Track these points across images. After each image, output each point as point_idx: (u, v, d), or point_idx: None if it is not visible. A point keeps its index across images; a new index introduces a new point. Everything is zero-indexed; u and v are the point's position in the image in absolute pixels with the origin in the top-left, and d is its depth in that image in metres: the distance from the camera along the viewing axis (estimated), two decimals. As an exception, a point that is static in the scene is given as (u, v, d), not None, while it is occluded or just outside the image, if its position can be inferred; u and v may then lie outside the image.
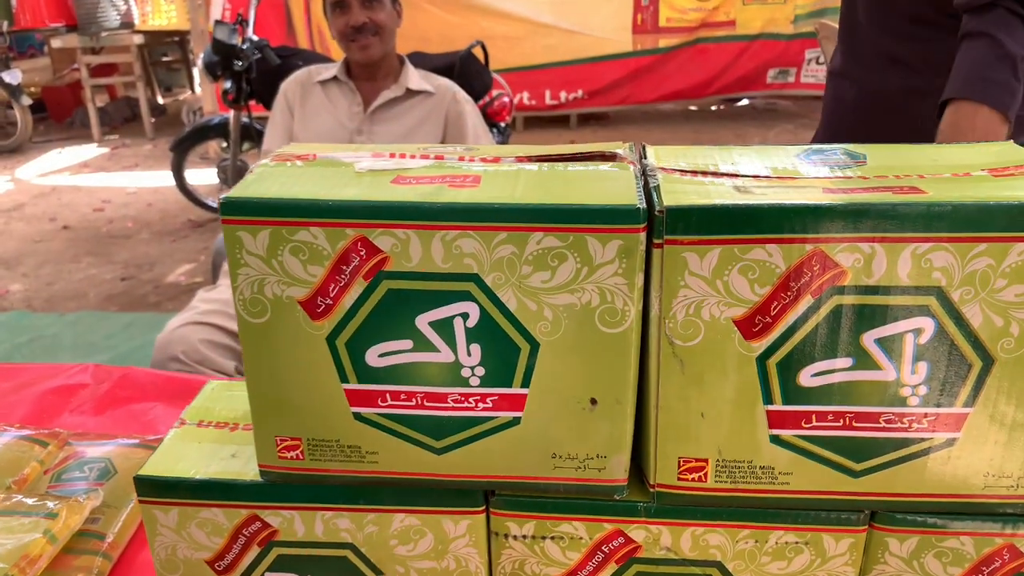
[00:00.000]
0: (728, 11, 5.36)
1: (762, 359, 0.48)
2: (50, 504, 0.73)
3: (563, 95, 5.48)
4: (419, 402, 0.51)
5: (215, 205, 3.83)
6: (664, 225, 0.46)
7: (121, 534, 0.78)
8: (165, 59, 6.91)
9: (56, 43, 5.95)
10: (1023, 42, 1.04)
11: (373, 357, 0.50)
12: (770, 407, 0.49)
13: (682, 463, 0.52)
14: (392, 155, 0.54)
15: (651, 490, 0.53)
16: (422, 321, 0.49)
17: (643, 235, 0.46)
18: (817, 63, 5.38)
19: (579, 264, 0.47)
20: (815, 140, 1.47)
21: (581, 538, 0.55)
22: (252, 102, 3.19)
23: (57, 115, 6.45)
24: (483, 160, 0.53)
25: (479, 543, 0.56)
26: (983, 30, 1.05)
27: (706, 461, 0.51)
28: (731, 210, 0.45)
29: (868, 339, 0.47)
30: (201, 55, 3.55)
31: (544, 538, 0.55)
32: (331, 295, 0.49)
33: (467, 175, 0.50)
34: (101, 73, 6.17)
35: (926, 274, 0.45)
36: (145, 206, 4.28)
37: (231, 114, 3.37)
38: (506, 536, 0.56)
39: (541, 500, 0.54)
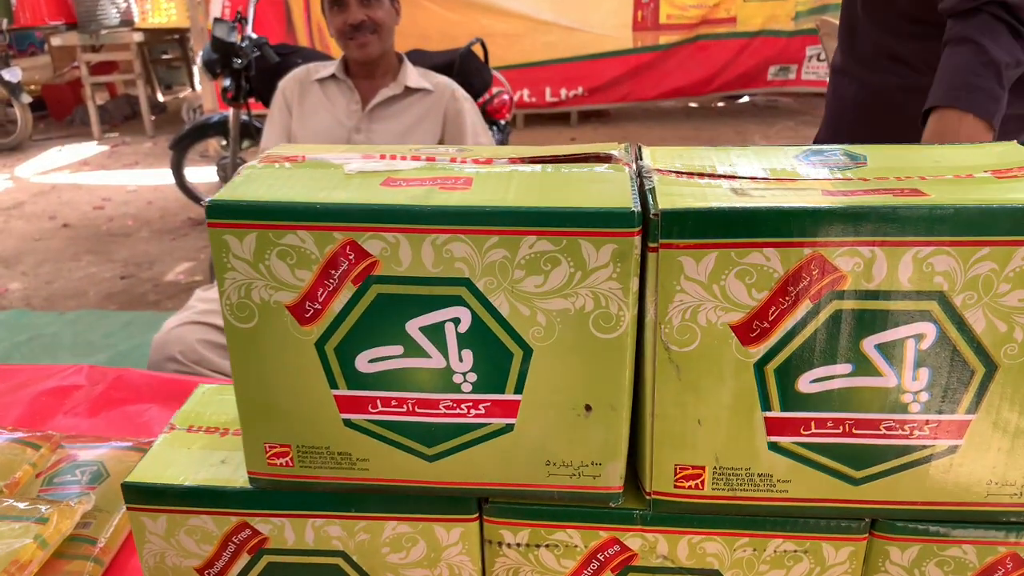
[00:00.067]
0: (729, 8, 5.34)
1: (760, 365, 0.47)
2: (41, 508, 0.72)
3: (563, 92, 5.47)
4: (410, 408, 0.50)
5: (215, 203, 3.81)
6: (659, 228, 0.45)
7: (113, 539, 0.77)
8: (165, 57, 6.90)
9: (56, 41, 5.95)
10: (1008, 48, 1.03)
11: (363, 363, 0.49)
12: (768, 414, 0.48)
13: (678, 470, 0.51)
14: (382, 156, 0.53)
15: (647, 497, 0.52)
16: (413, 326, 0.48)
17: (638, 239, 0.45)
18: (818, 60, 5.37)
19: (572, 268, 0.46)
20: (818, 137, 1.47)
21: (576, 546, 0.54)
22: (251, 100, 3.18)
23: (57, 113, 6.45)
24: (475, 162, 0.52)
25: (472, 551, 0.55)
26: (967, 36, 1.04)
27: (703, 468, 0.50)
28: (728, 213, 0.44)
29: (868, 345, 0.46)
30: (200, 53, 3.54)
31: (538, 546, 0.54)
32: (320, 300, 0.48)
33: (458, 177, 0.49)
34: (101, 71, 6.16)
35: (928, 278, 0.44)
36: (145, 204, 4.27)
37: (230, 112, 3.36)
38: (500, 544, 0.55)
39: (535, 508, 0.53)
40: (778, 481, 0.50)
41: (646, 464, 0.51)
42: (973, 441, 0.48)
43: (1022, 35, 1.04)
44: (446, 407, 0.50)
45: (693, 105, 6.08)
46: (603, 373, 0.48)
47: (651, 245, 0.45)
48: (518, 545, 0.54)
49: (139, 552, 0.58)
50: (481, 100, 2.62)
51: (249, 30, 3.08)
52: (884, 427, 0.48)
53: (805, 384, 0.47)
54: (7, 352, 2.56)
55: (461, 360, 0.49)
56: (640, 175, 0.50)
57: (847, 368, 0.47)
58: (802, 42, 5.37)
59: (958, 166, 0.50)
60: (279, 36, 4.85)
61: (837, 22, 1.42)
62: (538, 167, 0.51)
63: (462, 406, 0.50)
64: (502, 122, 2.99)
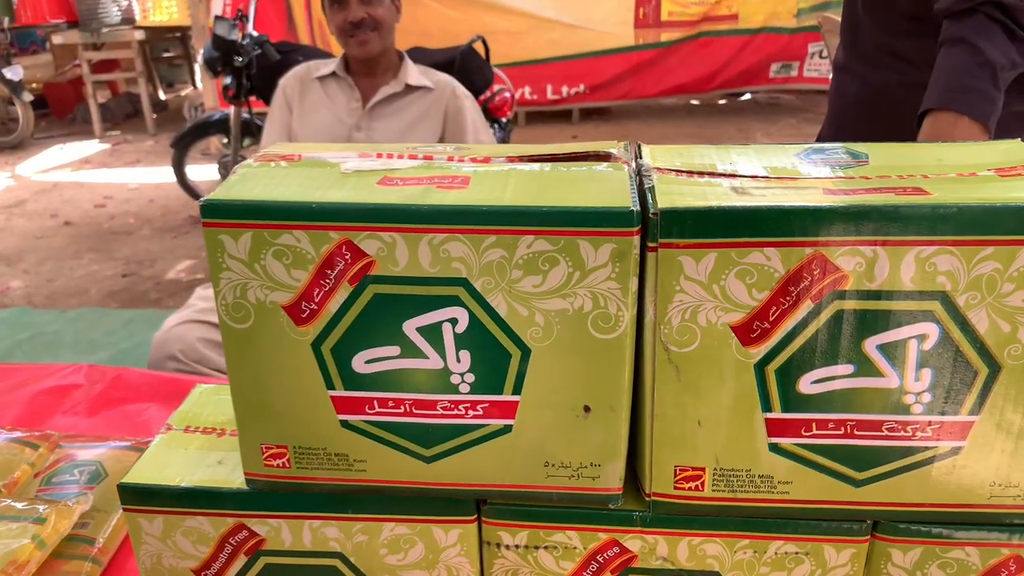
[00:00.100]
0: (730, 5, 5.33)
1: (760, 366, 0.47)
2: (39, 509, 0.72)
3: (565, 90, 5.46)
4: (407, 409, 0.50)
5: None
6: (659, 228, 0.44)
7: (111, 539, 0.76)
8: (167, 55, 6.90)
9: (57, 39, 5.94)
10: (1003, 49, 1.02)
11: (360, 363, 0.49)
12: (769, 415, 0.48)
13: (678, 471, 0.50)
14: (379, 155, 0.52)
15: (647, 499, 0.52)
16: (410, 327, 0.47)
17: (637, 238, 0.44)
18: (820, 57, 5.35)
19: (571, 268, 0.45)
20: (821, 134, 1.46)
21: (575, 548, 0.54)
22: (252, 98, 3.18)
23: (59, 111, 6.45)
24: (473, 160, 0.52)
25: (471, 552, 0.55)
26: (963, 36, 1.03)
27: (703, 470, 0.50)
28: (728, 212, 0.44)
29: (870, 345, 0.46)
30: (201, 51, 3.54)
31: (537, 547, 0.54)
32: (316, 300, 0.47)
33: (455, 176, 0.49)
34: (102, 69, 6.16)
35: (930, 278, 0.44)
36: (147, 202, 4.27)
37: (231, 110, 3.36)
38: (498, 545, 0.54)
39: (534, 509, 0.53)
40: (779, 482, 0.50)
41: (646, 465, 0.51)
42: (976, 443, 0.48)
43: (1017, 36, 1.03)
44: (444, 408, 0.50)
45: (695, 102, 6.06)
46: (602, 374, 0.48)
47: (650, 245, 0.45)
48: (517, 547, 0.54)
49: (136, 553, 0.57)
50: (482, 98, 2.61)
51: (250, 28, 3.08)
52: (886, 428, 0.48)
53: (806, 385, 0.47)
54: (8, 350, 2.56)
55: (459, 361, 0.48)
56: (640, 174, 0.50)
57: (849, 369, 0.46)
58: (804, 39, 5.35)
59: (961, 164, 0.50)
60: (280, 34, 4.85)
61: (839, 19, 1.41)
62: (536, 166, 0.51)
63: (460, 407, 0.49)
64: (503, 120, 2.98)
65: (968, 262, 0.43)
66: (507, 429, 0.50)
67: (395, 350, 0.48)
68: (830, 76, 1.45)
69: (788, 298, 0.45)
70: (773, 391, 0.47)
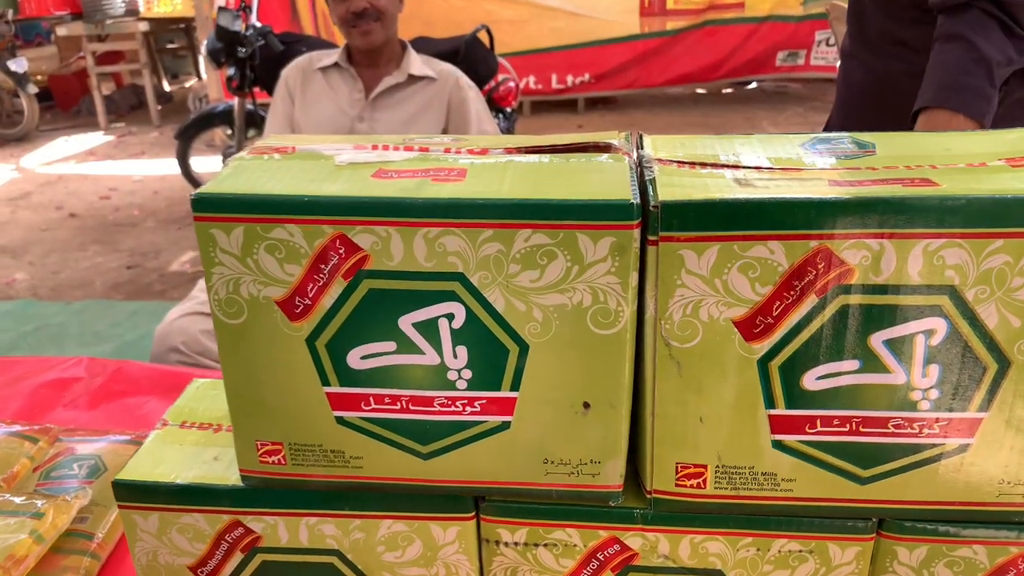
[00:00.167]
0: (736, -8, 5.29)
1: (764, 361, 0.46)
2: (37, 503, 0.72)
3: (570, 79, 5.43)
4: (404, 406, 0.49)
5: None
6: (659, 221, 0.43)
7: (110, 533, 0.76)
8: (171, 46, 6.88)
9: (62, 31, 5.94)
10: (999, 45, 1.00)
11: (355, 359, 0.48)
12: (772, 411, 0.47)
13: (680, 469, 0.49)
14: (374, 147, 0.51)
15: (648, 496, 0.51)
16: (405, 322, 0.46)
17: (637, 232, 0.43)
18: (827, 45, 5.30)
19: (569, 262, 0.44)
20: (829, 121, 1.45)
21: (575, 545, 0.53)
22: (256, 89, 3.17)
23: (63, 103, 6.44)
24: (470, 152, 0.51)
25: (469, 550, 0.54)
26: (958, 32, 1.01)
27: (705, 467, 0.49)
28: (730, 205, 0.43)
29: (876, 340, 0.44)
30: (205, 42, 3.53)
31: (537, 545, 0.53)
32: (310, 295, 0.46)
33: (452, 168, 0.48)
34: (107, 61, 6.15)
35: (938, 272, 0.42)
36: (151, 194, 4.27)
37: (235, 101, 3.35)
38: (497, 543, 0.53)
39: (533, 506, 0.52)
40: (783, 480, 0.49)
41: (647, 462, 0.50)
42: (985, 439, 0.46)
43: (1014, 32, 1.01)
44: (441, 404, 0.49)
45: (701, 91, 6.03)
46: (602, 370, 0.47)
47: (651, 238, 0.44)
48: (516, 544, 0.53)
49: (131, 550, 0.57)
50: (487, 88, 2.59)
51: (253, 19, 3.06)
52: (892, 425, 0.47)
53: (810, 381, 0.46)
54: (14, 342, 2.56)
55: (455, 357, 0.47)
56: (640, 165, 0.49)
57: (854, 365, 0.45)
58: (811, 27, 5.30)
59: (970, 154, 0.48)
60: (283, 24, 4.82)
61: (846, 6, 1.40)
62: (534, 158, 0.50)
63: (457, 403, 0.49)
64: (508, 110, 2.97)
65: (977, 255, 0.42)
66: (505, 426, 0.49)
67: (391, 346, 0.47)
68: (837, 64, 1.44)
69: (792, 292, 0.44)
70: (776, 387, 0.46)
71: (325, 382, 0.49)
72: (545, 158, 0.49)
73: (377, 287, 0.46)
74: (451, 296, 0.45)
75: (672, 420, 0.48)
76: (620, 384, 0.47)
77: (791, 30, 5.35)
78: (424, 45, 2.20)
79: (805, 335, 0.45)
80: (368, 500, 0.53)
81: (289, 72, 1.90)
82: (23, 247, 3.57)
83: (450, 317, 0.46)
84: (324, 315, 0.47)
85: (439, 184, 0.45)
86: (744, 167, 0.48)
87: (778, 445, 0.48)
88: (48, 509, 0.71)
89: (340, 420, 0.50)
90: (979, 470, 0.47)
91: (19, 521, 0.70)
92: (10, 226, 3.86)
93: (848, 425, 0.47)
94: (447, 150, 0.51)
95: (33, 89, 5.47)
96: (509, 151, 0.51)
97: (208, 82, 5.03)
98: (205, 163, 4.16)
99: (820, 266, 0.43)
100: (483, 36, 2.57)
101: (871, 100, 1.30)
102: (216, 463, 0.56)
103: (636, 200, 0.43)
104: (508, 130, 2.95)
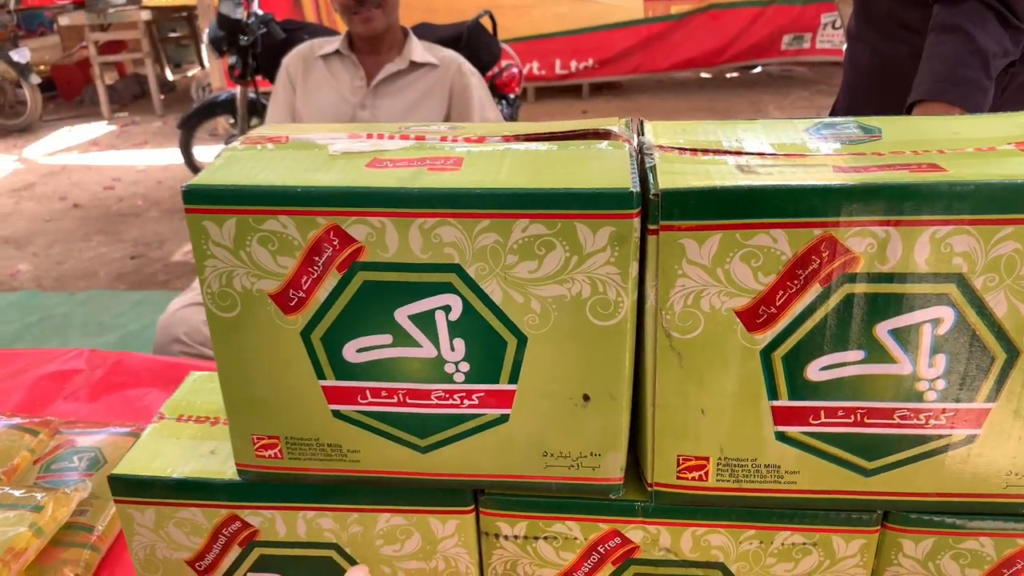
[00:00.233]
0: (742, -24, 5.24)
1: (767, 352, 0.45)
2: (37, 496, 0.72)
3: (574, 64, 5.39)
4: (401, 399, 0.48)
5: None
6: (660, 209, 0.42)
7: (110, 526, 0.76)
8: (174, 35, 6.85)
9: (64, 21, 5.92)
10: (996, 37, 0.98)
11: (351, 352, 0.47)
12: (775, 403, 0.46)
13: (681, 461, 0.49)
14: (369, 136, 0.50)
15: (649, 489, 0.50)
16: (401, 315, 0.46)
17: (637, 221, 0.42)
18: (833, 28, 5.25)
19: (568, 253, 0.43)
20: (836, 104, 1.43)
21: (576, 538, 0.52)
22: (259, 77, 3.15)
23: (66, 93, 6.43)
24: (467, 140, 0.50)
25: (469, 543, 0.54)
26: (955, 23, 0.99)
27: (707, 459, 0.48)
28: (732, 192, 0.42)
29: (882, 330, 0.43)
30: (206, 30, 3.51)
31: (537, 538, 0.53)
32: (304, 288, 0.45)
33: (448, 157, 0.47)
34: (110, 50, 6.13)
35: (946, 260, 0.41)
36: (155, 184, 4.26)
37: (238, 90, 3.34)
38: (497, 536, 0.53)
39: (533, 499, 0.51)
40: (786, 472, 0.48)
41: (647, 455, 0.49)
42: (992, 430, 0.46)
43: (1010, 22, 0.99)
44: (438, 398, 0.48)
45: (706, 76, 5.98)
46: (601, 362, 0.46)
47: (651, 227, 0.43)
48: (516, 537, 0.53)
49: (129, 544, 0.56)
50: (490, 74, 2.58)
51: (255, 6, 3.05)
52: (898, 416, 0.46)
53: (814, 372, 0.45)
54: (18, 333, 2.57)
55: (453, 349, 0.46)
56: (641, 152, 0.48)
57: (859, 355, 0.44)
58: (816, 10, 5.25)
59: (979, 138, 0.47)
60: (285, 12, 4.80)
61: (853, -13, 1.37)
62: (532, 145, 0.49)
63: (455, 396, 0.48)
64: (511, 96, 2.95)
65: (986, 242, 0.41)
66: (504, 419, 0.48)
67: (387, 339, 0.47)
68: (843, 47, 1.42)
69: (796, 282, 0.43)
70: (780, 378, 0.45)
71: (321, 375, 0.48)
72: (543, 146, 0.48)
73: (372, 279, 0.45)
74: (447, 288, 0.45)
75: (673, 412, 0.47)
76: (620, 376, 0.46)
77: (796, 13, 5.30)
78: (426, 31, 2.18)
79: (809, 325, 0.44)
80: (366, 493, 0.52)
81: (290, 60, 1.89)
82: (27, 238, 3.57)
83: (447, 309, 0.45)
84: (319, 308, 0.46)
85: (435, 173, 0.44)
86: (747, 153, 0.46)
87: (781, 437, 0.47)
88: (48, 502, 0.71)
89: (336, 414, 0.49)
90: (986, 461, 0.46)
91: (19, 514, 0.70)
92: (14, 217, 3.86)
93: (853, 416, 0.46)
94: (443, 138, 0.50)
95: (36, 79, 5.46)
96: (507, 139, 0.50)
97: (211, 71, 5.02)
98: (208, 152, 4.15)
99: (824, 254, 0.42)
100: (486, 22, 2.55)
101: (878, 82, 1.28)
102: (213, 457, 0.55)
103: (636, 188, 0.42)
104: (511, 117, 2.93)
